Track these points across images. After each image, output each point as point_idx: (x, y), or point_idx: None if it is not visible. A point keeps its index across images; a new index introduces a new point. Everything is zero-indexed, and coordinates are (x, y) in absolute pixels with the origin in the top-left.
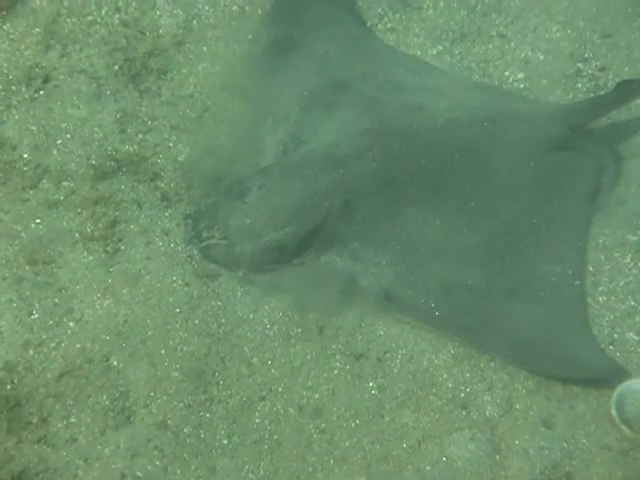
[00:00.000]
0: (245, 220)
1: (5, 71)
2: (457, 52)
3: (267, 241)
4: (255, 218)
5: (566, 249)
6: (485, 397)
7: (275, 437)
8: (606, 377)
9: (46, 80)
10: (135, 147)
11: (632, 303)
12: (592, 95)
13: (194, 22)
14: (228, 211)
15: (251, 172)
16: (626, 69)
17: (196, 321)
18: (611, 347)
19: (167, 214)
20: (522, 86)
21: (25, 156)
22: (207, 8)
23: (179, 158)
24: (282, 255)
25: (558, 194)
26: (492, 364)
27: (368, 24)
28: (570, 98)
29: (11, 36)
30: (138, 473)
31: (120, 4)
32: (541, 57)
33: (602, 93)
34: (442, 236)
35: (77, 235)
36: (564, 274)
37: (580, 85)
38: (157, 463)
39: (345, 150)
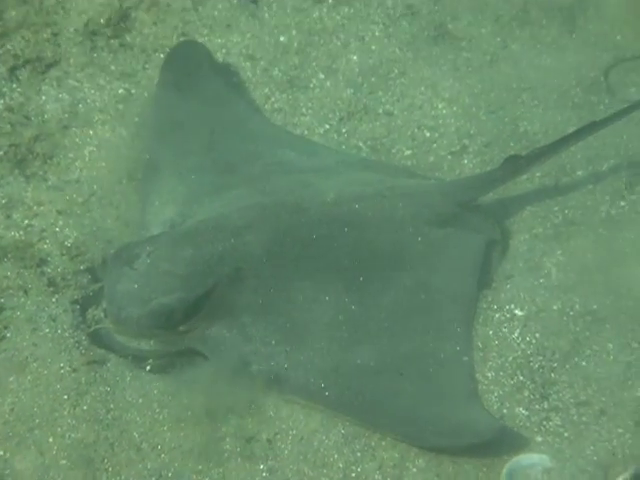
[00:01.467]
0: (133, 285)
1: None
2: (344, 130)
3: (155, 305)
4: (143, 283)
5: (454, 325)
6: (376, 476)
7: None
8: (495, 437)
9: None
10: (21, 233)
11: (521, 378)
12: (478, 171)
13: (80, 106)
14: (115, 277)
15: (139, 240)
16: (512, 144)
17: (84, 407)
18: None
19: (54, 300)
20: (409, 163)
21: None
22: (93, 92)
23: (66, 243)
24: (169, 320)
25: (446, 270)
26: (383, 443)
27: (255, 104)
28: (457, 174)
29: None
30: None
31: (4, 89)
32: (427, 134)
33: (489, 169)
34: (331, 313)
35: None
36: (452, 351)
37: (466, 161)
38: None
39: (235, 221)
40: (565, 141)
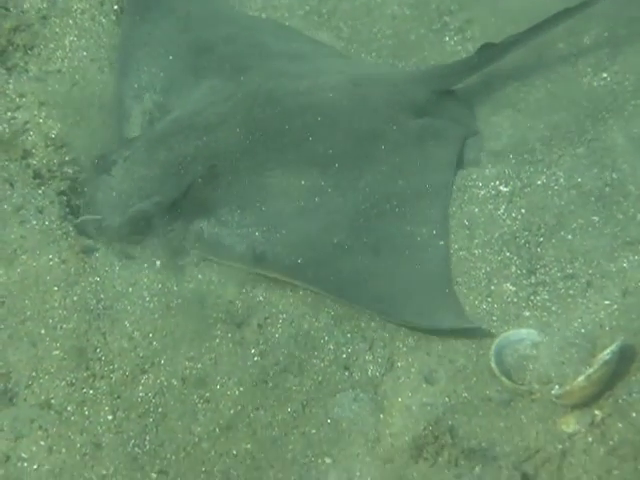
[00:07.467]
0: (111, 193)
1: None
2: (324, 11)
3: (133, 212)
4: (121, 190)
5: (431, 211)
6: (367, 357)
7: (160, 410)
8: (459, 328)
9: None
10: (4, 125)
11: (507, 254)
12: (460, 48)
13: None
14: (95, 185)
15: (116, 145)
16: (492, 20)
17: (75, 298)
18: (489, 299)
19: (40, 192)
20: (391, 42)
21: None
22: None
23: (50, 134)
24: (149, 225)
25: (423, 156)
26: (372, 324)
27: None
28: (439, 52)
29: None
30: (23, 454)
31: None
32: (407, 12)
33: (464, 56)
34: (307, 196)
35: None
36: (429, 235)
37: (447, 38)
38: (42, 443)
39: (208, 117)
40: (540, 28)
